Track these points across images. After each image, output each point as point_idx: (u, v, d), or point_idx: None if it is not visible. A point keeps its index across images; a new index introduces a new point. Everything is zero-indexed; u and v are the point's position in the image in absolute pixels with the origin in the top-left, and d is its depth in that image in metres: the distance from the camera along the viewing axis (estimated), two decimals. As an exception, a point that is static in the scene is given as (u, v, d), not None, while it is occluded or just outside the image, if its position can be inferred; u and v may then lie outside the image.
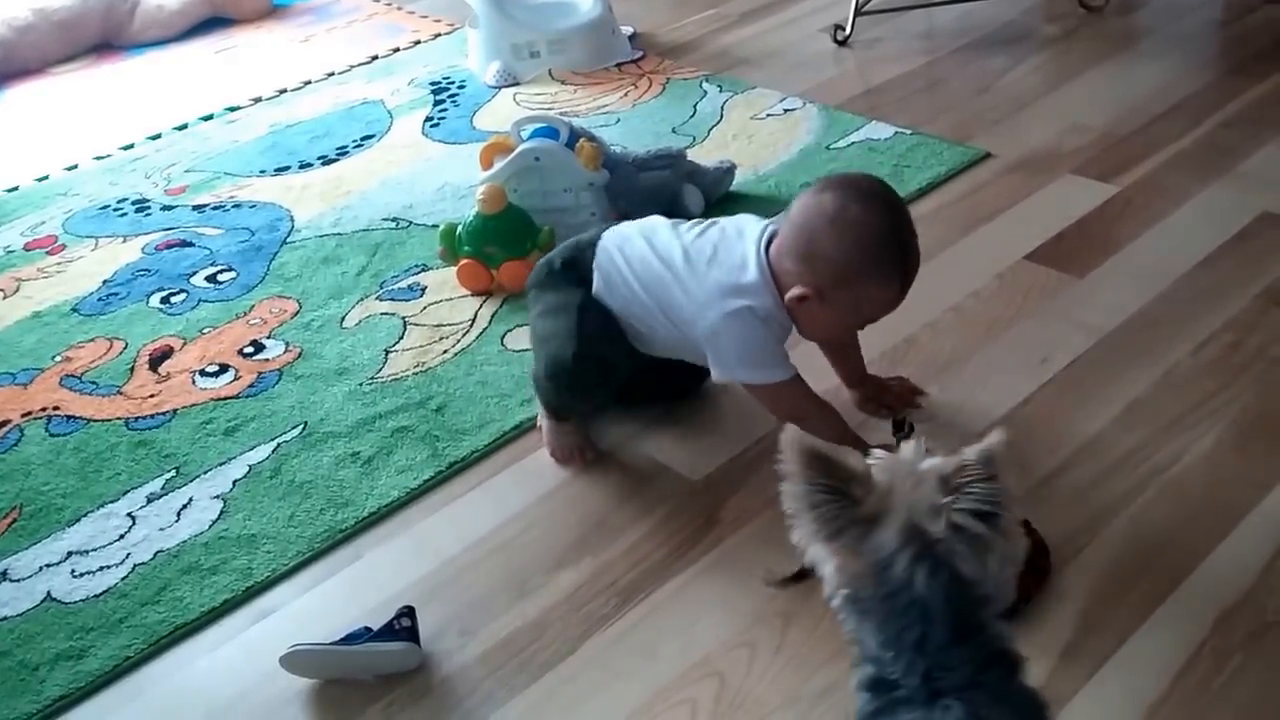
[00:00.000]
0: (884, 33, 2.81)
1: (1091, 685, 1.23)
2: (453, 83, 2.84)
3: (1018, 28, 2.79)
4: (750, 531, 1.47)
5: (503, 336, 1.89)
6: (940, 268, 1.93)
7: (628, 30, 2.92)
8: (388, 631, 1.34)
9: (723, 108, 2.54)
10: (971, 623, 0.87)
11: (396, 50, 3.08)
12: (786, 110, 2.49)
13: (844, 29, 2.77)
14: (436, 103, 2.75)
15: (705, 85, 2.66)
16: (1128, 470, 1.50)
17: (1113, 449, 1.53)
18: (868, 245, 1.38)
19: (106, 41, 3.35)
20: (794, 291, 1.41)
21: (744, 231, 1.49)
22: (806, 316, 1.44)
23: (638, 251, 1.52)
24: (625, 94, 2.67)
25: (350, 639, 1.34)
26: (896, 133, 2.33)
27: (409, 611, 1.37)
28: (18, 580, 1.53)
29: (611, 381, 1.58)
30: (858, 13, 2.76)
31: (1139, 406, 1.60)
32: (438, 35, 3.15)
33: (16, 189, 2.61)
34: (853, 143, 2.32)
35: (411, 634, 1.35)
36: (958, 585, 0.86)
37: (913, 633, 0.86)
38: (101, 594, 1.49)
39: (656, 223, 1.56)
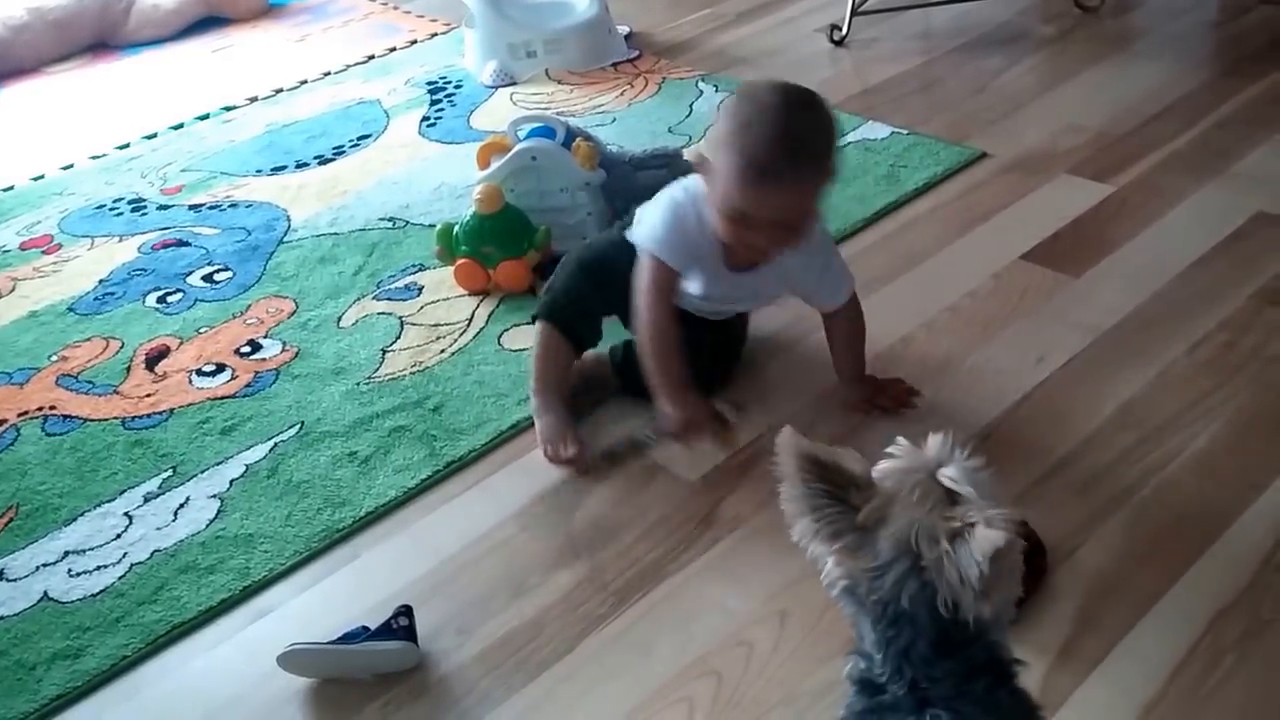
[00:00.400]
0: (880, 33, 2.81)
1: (1088, 684, 1.23)
2: (449, 82, 2.84)
3: (1014, 28, 2.80)
4: (747, 532, 1.48)
5: (500, 336, 1.89)
6: (937, 267, 1.94)
7: (624, 30, 2.92)
8: (385, 630, 1.34)
9: (719, 107, 2.54)
10: (957, 637, 0.86)
11: (393, 50, 3.08)
12: (783, 110, 2.49)
13: (840, 29, 2.77)
14: (433, 102, 2.75)
15: (701, 85, 2.66)
16: (1123, 469, 1.50)
17: (1108, 448, 1.54)
18: (739, 116, 1.38)
19: (102, 41, 3.35)
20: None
21: None
22: (709, 190, 1.45)
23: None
24: (621, 93, 2.67)
25: (348, 638, 1.34)
26: (893, 133, 2.33)
27: (406, 611, 1.37)
28: (14, 580, 1.53)
29: (610, 282, 1.59)
30: (854, 13, 2.77)
31: (1134, 406, 1.60)
32: (434, 35, 3.15)
33: (12, 188, 2.61)
34: (849, 142, 2.32)
35: (409, 633, 1.35)
36: (944, 606, 0.85)
37: (900, 640, 0.87)
38: (98, 593, 1.49)
39: None
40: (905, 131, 2.33)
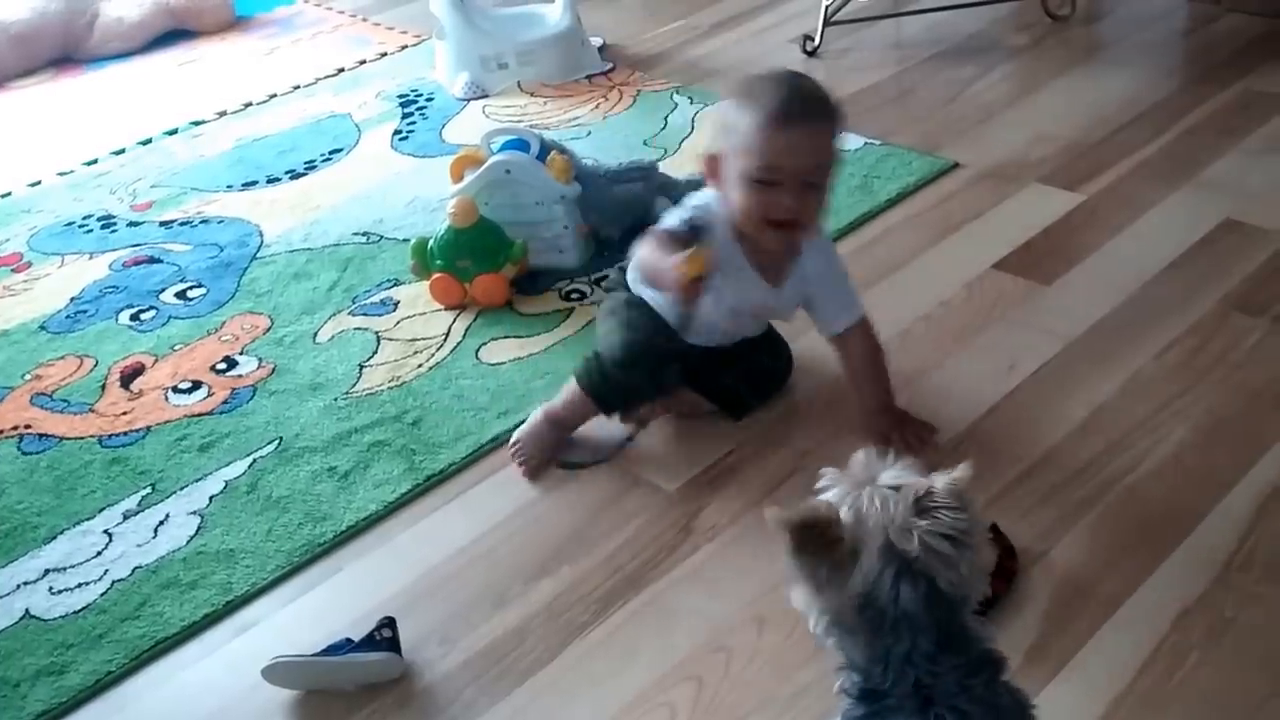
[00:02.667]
0: (853, 43, 2.85)
1: (1055, 683, 1.26)
2: (421, 95, 2.84)
3: (985, 38, 2.83)
4: (725, 540, 1.50)
5: (477, 350, 1.90)
6: (910, 277, 1.97)
7: (597, 42, 2.94)
8: (369, 642, 1.35)
9: (693, 120, 2.57)
10: (955, 630, 0.90)
11: (363, 63, 3.09)
12: (755, 122, 2.52)
13: (813, 40, 2.80)
14: (405, 115, 2.75)
15: (676, 97, 2.68)
16: (1092, 474, 1.53)
17: (1078, 453, 1.57)
18: (741, 93, 1.48)
19: (66, 55, 3.33)
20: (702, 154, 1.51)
21: None
22: (724, 190, 1.50)
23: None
24: (596, 106, 2.69)
25: (332, 650, 1.35)
26: (866, 143, 2.36)
27: (390, 622, 1.38)
28: (-6, 599, 1.53)
29: (662, 369, 1.62)
30: (827, 23, 2.80)
31: (1104, 411, 1.63)
32: (404, 47, 3.16)
33: (-20, 206, 2.59)
34: (820, 153, 2.35)
35: (393, 644, 1.36)
36: (938, 595, 0.89)
37: (901, 646, 0.89)
38: (81, 610, 1.49)
39: None
40: (878, 142, 2.36)
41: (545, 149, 2.07)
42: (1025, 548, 1.41)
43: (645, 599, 1.43)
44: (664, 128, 2.55)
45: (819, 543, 0.90)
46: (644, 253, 1.55)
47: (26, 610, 1.50)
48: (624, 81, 2.80)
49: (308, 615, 1.46)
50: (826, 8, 2.79)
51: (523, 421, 1.68)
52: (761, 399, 1.71)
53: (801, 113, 1.44)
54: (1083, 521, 1.46)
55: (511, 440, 1.66)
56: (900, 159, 2.30)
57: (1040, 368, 1.73)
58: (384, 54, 3.13)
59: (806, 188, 1.46)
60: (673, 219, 1.57)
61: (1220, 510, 1.46)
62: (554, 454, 1.65)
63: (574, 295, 2.02)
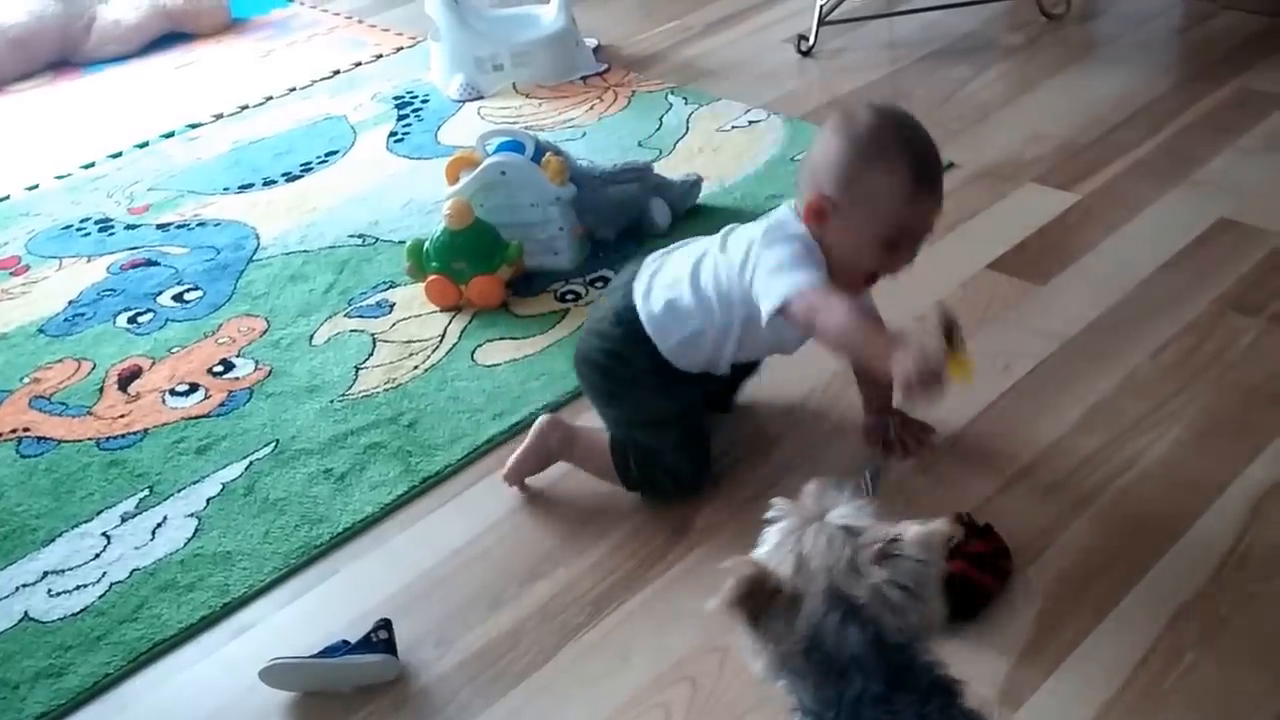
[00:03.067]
0: (847, 43, 2.85)
1: (1050, 683, 1.27)
2: (416, 97, 2.85)
3: (980, 37, 2.83)
4: (720, 541, 1.50)
5: (473, 352, 1.90)
6: (905, 277, 1.96)
7: (591, 42, 2.94)
8: (365, 644, 1.36)
9: (688, 120, 2.57)
10: (904, 667, 0.89)
11: (359, 64, 3.09)
12: (751, 122, 2.53)
13: (808, 39, 2.81)
14: (400, 117, 2.76)
15: (670, 98, 2.69)
16: (1088, 473, 1.54)
17: (1073, 452, 1.57)
18: (865, 138, 1.37)
19: (64, 58, 3.33)
20: (806, 201, 1.39)
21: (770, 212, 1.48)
22: (832, 239, 1.39)
23: (672, 265, 1.51)
24: (591, 107, 2.69)
25: (328, 652, 1.36)
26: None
27: (386, 624, 1.38)
28: (-7, 601, 1.54)
29: (708, 435, 1.59)
30: (821, 23, 2.80)
31: (1099, 410, 1.64)
32: (400, 49, 3.16)
33: (-22, 209, 2.59)
34: (816, 154, 2.36)
35: (389, 646, 1.36)
36: (885, 639, 0.88)
37: (852, 690, 0.88)
38: (79, 612, 1.50)
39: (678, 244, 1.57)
40: (871, 143, 2.36)
41: (540, 150, 2.08)
42: (1021, 547, 1.42)
43: (640, 600, 1.43)
44: (659, 128, 2.56)
45: (759, 598, 0.88)
46: (844, 319, 1.33)
47: (25, 612, 1.51)
48: (619, 82, 2.80)
49: (305, 617, 1.46)
50: (821, 7, 2.79)
51: (519, 423, 1.69)
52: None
53: (934, 176, 1.39)
54: (1078, 521, 1.46)
55: (511, 469, 1.60)
56: (895, 159, 2.30)
57: (1036, 367, 1.73)
58: (379, 56, 3.13)
59: (917, 243, 1.43)
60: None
61: (1216, 510, 1.46)
62: (538, 470, 1.61)
63: (569, 296, 2.02)
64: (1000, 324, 1.83)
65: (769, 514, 0.95)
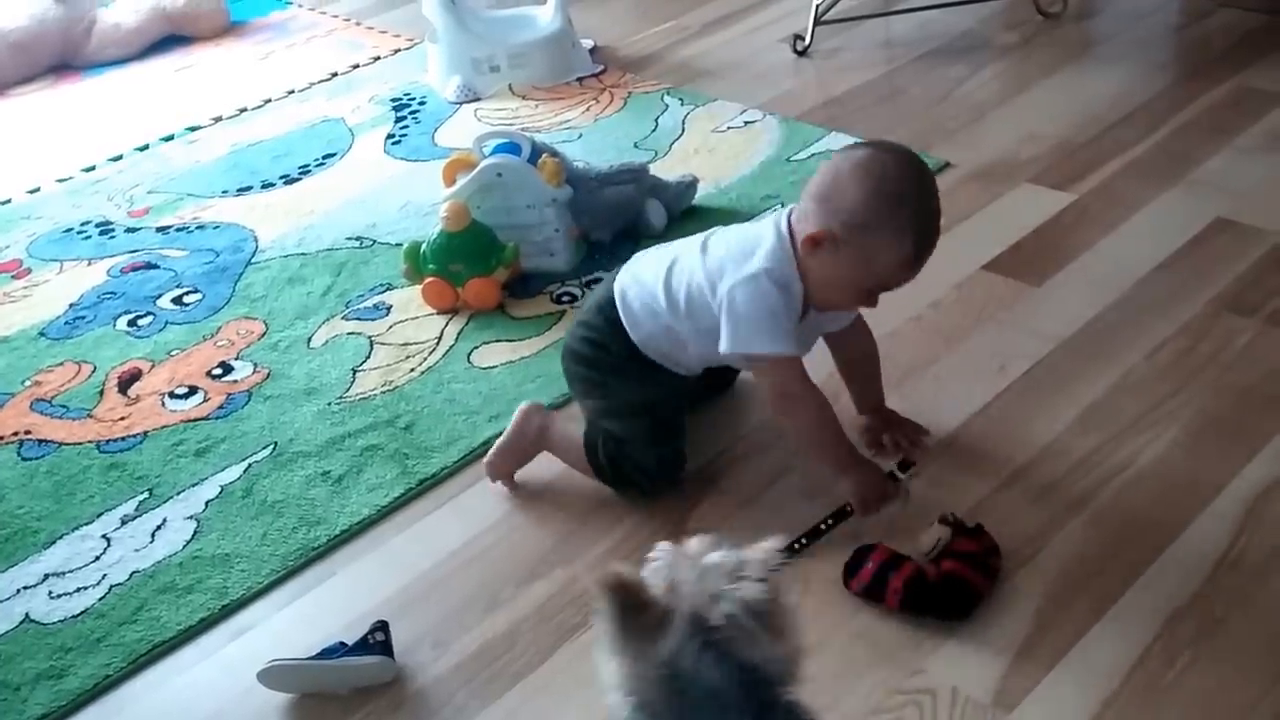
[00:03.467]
0: (843, 42, 2.85)
1: (1046, 683, 1.27)
2: (413, 99, 2.85)
3: (976, 36, 2.84)
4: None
5: (469, 354, 1.91)
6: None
7: (588, 44, 2.95)
8: (362, 646, 1.36)
9: (684, 121, 2.58)
10: (767, 705, 0.88)
11: (356, 66, 3.10)
12: (747, 123, 2.53)
13: (804, 39, 2.81)
14: (398, 119, 2.76)
15: (666, 99, 2.69)
16: (1083, 473, 1.54)
17: (1069, 453, 1.58)
18: (890, 194, 1.37)
19: (64, 62, 3.34)
20: (809, 230, 1.40)
21: (763, 217, 1.51)
22: (818, 268, 1.42)
23: (651, 259, 1.55)
24: (587, 109, 2.70)
25: (326, 654, 1.36)
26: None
27: (382, 626, 1.39)
28: (-6, 603, 1.54)
29: (682, 431, 1.60)
30: (817, 22, 2.80)
31: (1094, 411, 1.64)
32: (397, 50, 3.17)
33: (-22, 212, 2.60)
34: (813, 154, 2.36)
35: (385, 648, 1.37)
36: (745, 669, 0.87)
37: None
38: (79, 614, 1.51)
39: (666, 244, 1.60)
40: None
41: (536, 152, 2.08)
42: (1016, 548, 1.42)
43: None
44: (654, 129, 2.56)
45: (632, 605, 0.88)
46: (815, 419, 1.46)
47: (26, 614, 1.52)
48: (615, 83, 2.81)
49: (302, 619, 1.47)
50: (817, 7, 2.80)
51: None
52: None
53: (933, 248, 1.42)
54: (1074, 521, 1.47)
55: (487, 461, 1.63)
56: (891, 159, 2.31)
57: (1031, 368, 1.74)
58: (377, 58, 3.14)
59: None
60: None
61: (1211, 511, 1.46)
62: (524, 461, 1.63)
63: (565, 298, 2.03)
64: (995, 325, 1.84)
65: (650, 554, 0.96)
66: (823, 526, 1.46)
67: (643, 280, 1.53)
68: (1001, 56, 2.74)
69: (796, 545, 1.43)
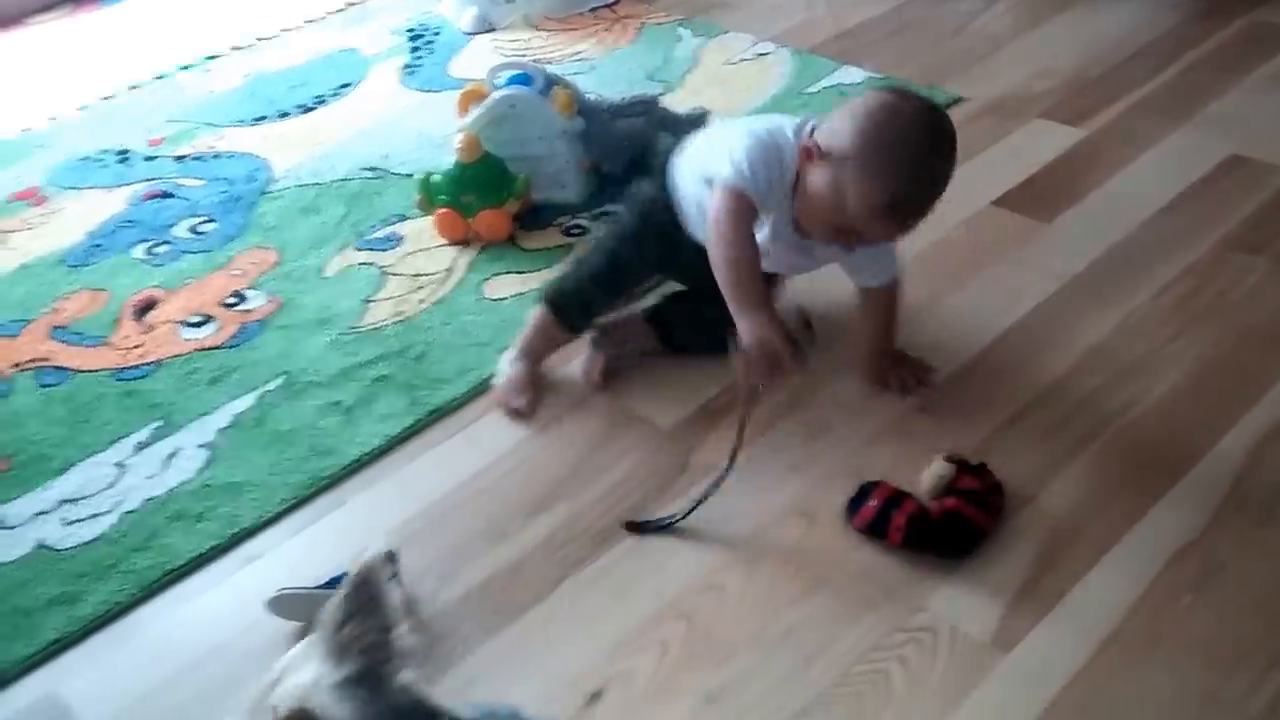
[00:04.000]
0: (858, -26, 2.80)
1: (1045, 623, 1.29)
2: (428, 29, 2.83)
3: (992, -31, 2.78)
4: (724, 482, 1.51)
5: (480, 285, 1.92)
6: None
7: (603, -27, 2.91)
8: (370, 575, 1.39)
9: (696, 53, 2.55)
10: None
11: (373, -5, 3.07)
12: (760, 55, 2.50)
13: (821, -30, 2.76)
14: (413, 50, 2.74)
15: (680, 30, 2.66)
16: (1087, 414, 1.55)
17: (1073, 393, 1.58)
18: (882, 139, 1.36)
19: (81, -12, 3.32)
20: (806, 139, 1.43)
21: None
22: (805, 182, 1.43)
23: (698, 138, 1.64)
24: (599, 40, 2.67)
25: (334, 583, 1.38)
26: (868, 77, 2.34)
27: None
28: (11, 528, 1.57)
29: (666, 262, 1.67)
30: (834, -46, 2.75)
31: (1100, 351, 1.64)
32: (414, -21, 3.13)
33: (-2, 140, 2.62)
34: (825, 87, 2.34)
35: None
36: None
37: None
38: (92, 541, 1.54)
39: None
40: (880, 76, 2.34)
41: (549, 84, 2.07)
42: (1018, 487, 1.43)
43: (640, 537, 1.46)
44: (667, 62, 2.53)
45: None
46: (730, 253, 1.43)
47: (40, 540, 1.55)
48: (628, 14, 2.77)
49: (311, 548, 1.50)
50: (833, -63, 2.74)
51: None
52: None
53: (915, 210, 1.39)
54: (1077, 461, 1.48)
55: (496, 399, 1.67)
56: (906, 93, 2.28)
57: (1037, 306, 1.73)
58: (393, -14, 3.11)
59: (880, 239, 1.46)
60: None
61: (1216, 452, 1.47)
62: (534, 384, 1.68)
63: (575, 230, 2.03)
64: (1004, 262, 1.83)
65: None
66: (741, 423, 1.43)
67: (688, 150, 1.62)
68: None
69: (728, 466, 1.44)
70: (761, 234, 1.49)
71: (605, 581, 1.41)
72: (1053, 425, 1.54)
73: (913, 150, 1.37)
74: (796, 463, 1.51)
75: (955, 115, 2.17)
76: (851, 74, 2.37)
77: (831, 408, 1.60)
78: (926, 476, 1.42)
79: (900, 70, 2.36)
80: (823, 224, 1.45)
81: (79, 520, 1.57)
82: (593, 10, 2.80)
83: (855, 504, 1.41)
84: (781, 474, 1.51)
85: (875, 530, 1.39)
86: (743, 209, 1.44)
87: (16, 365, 1.88)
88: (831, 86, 2.34)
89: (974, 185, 1.99)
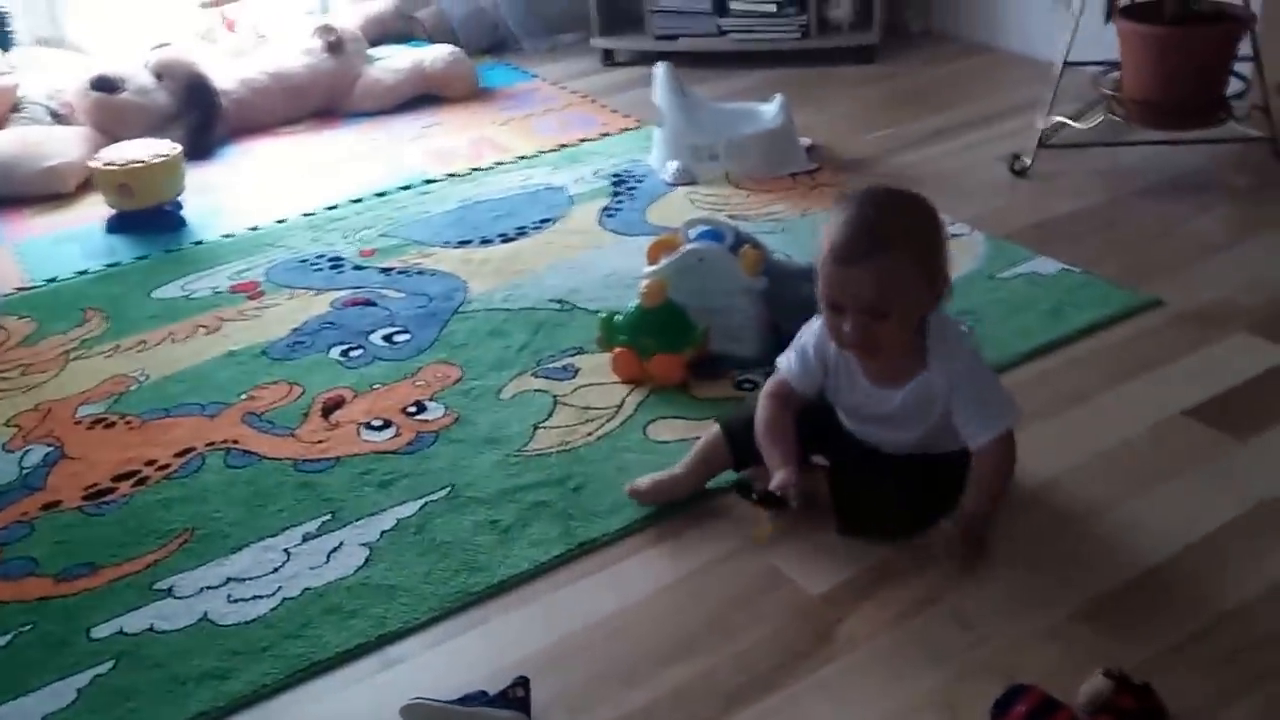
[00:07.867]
0: (1064, 167, 2.79)
1: None
2: (632, 176, 2.97)
3: (1205, 175, 2.73)
4: (862, 655, 1.48)
5: (645, 426, 1.96)
6: (1095, 412, 1.91)
7: (806, 142, 2.99)
8: (501, 698, 1.40)
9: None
10: None
11: (584, 140, 3.24)
12: (954, 235, 2.51)
13: (1024, 159, 2.77)
14: (615, 193, 2.88)
15: (877, 202, 2.70)
16: (1267, 650, 1.44)
17: (1251, 626, 1.48)
18: (836, 205, 1.59)
19: (329, 108, 3.63)
20: None
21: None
22: None
23: None
24: (795, 203, 2.74)
25: (467, 700, 1.41)
26: (1063, 269, 2.32)
27: (523, 682, 1.43)
28: (181, 598, 1.67)
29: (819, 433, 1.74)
30: (1041, 144, 2.76)
31: (1285, 585, 1.54)
32: (625, 130, 3.30)
33: (232, 236, 2.85)
34: (1018, 274, 2.32)
35: (523, 704, 1.41)
36: None
37: None
38: (251, 621, 1.61)
39: None
40: (1077, 270, 2.31)
41: (739, 241, 2.13)
42: (1192, 711, 1.35)
43: (773, 703, 1.43)
44: (862, 232, 2.56)
45: None
46: (759, 425, 1.68)
47: (205, 613, 1.63)
48: (827, 182, 2.84)
49: (451, 661, 1.53)
50: (1043, 130, 2.76)
51: (681, 501, 1.75)
52: (875, 525, 1.66)
53: (855, 254, 1.50)
54: (1247, 699, 1.38)
55: (636, 484, 1.77)
56: (1098, 289, 2.25)
57: (1221, 528, 1.64)
58: (605, 134, 3.28)
59: (870, 318, 1.52)
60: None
61: None
62: (669, 490, 1.76)
63: (746, 385, 2.05)
64: (1190, 476, 1.75)
65: None
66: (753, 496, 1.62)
67: None
68: (1230, 199, 2.62)
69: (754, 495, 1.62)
70: (839, 395, 1.68)
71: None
72: (1227, 655, 1.44)
73: (847, 206, 1.56)
74: (942, 652, 1.46)
75: (1152, 319, 2.16)
76: (1046, 265, 2.35)
77: (986, 599, 1.54)
78: (1085, 688, 1.35)
79: (1098, 266, 2.32)
80: (827, 317, 1.58)
81: (242, 600, 1.65)
82: (793, 175, 2.89)
83: (1002, 706, 1.35)
84: (923, 662, 1.46)
85: (1020, 737, 1.32)
86: (777, 385, 1.70)
87: (210, 444, 2.01)
88: (1024, 275, 2.32)
89: (1166, 391, 1.93)
